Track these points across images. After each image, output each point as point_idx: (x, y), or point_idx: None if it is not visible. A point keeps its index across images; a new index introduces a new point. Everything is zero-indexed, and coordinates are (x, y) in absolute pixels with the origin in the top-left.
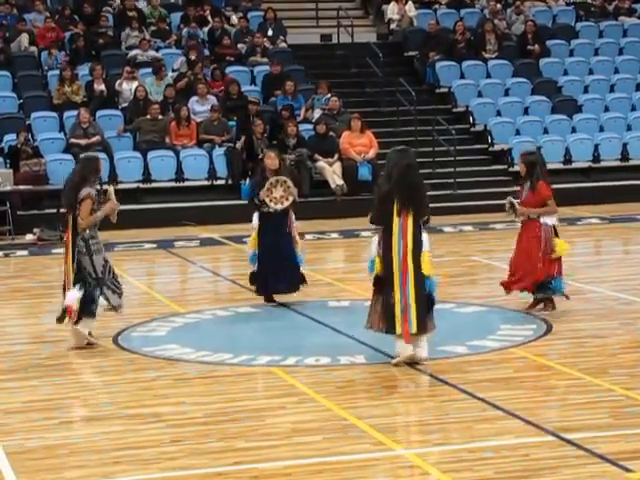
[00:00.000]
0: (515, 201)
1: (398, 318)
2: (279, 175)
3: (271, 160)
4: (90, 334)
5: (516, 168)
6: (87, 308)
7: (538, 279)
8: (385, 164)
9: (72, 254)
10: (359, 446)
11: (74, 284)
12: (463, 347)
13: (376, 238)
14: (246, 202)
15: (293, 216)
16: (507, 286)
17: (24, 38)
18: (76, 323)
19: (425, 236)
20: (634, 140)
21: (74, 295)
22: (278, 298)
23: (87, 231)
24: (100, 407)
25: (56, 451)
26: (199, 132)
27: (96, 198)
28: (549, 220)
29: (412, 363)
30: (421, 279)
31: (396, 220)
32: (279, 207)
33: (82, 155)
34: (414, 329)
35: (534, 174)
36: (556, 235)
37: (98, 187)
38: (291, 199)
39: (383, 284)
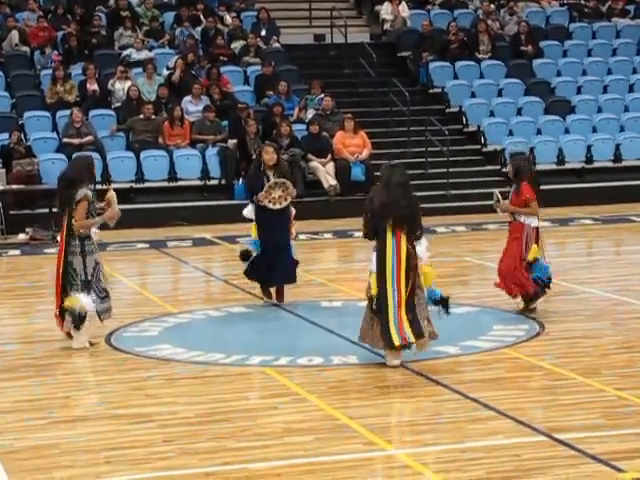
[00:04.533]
0: (500, 195)
1: (394, 333)
2: (277, 169)
3: (269, 155)
4: (90, 342)
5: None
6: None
7: (526, 292)
8: (379, 179)
9: (64, 255)
10: (351, 446)
11: (63, 287)
12: (455, 347)
13: (375, 255)
14: (239, 202)
15: (293, 211)
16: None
17: (14, 35)
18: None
19: (423, 247)
20: (627, 141)
21: (88, 300)
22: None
23: (82, 231)
24: (91, 407)
25: (46, 451)
26: (192, 132)
27: (92, 200)
28: (532, 222)
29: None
30: (413, 296)
31: (390, 237)
32: (277, 207)
33: (76, 154)
34: (412, 338)
35: (518, 176)
36: (537, 240)
37: (93, 189)
38: (289, 199)
39: (378, 302)
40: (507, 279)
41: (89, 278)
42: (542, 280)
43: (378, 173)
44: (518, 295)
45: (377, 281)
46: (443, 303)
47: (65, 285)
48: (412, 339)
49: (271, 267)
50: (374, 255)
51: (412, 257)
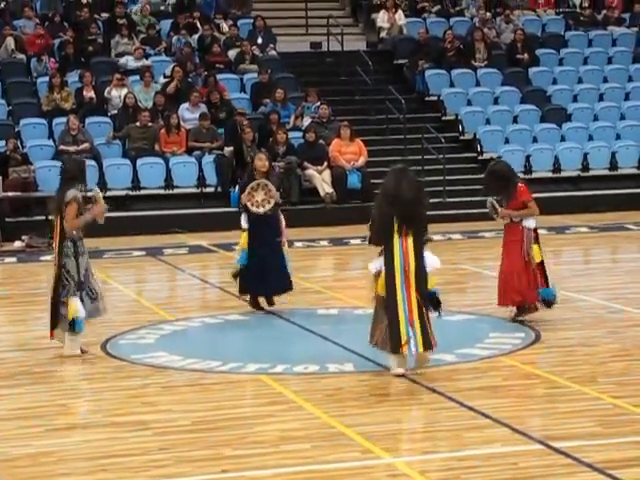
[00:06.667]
0: (495, 202)
1: (403, 338)
2: (268, 177)
3: (262, 162)
4: (81, 350)
5: None
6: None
7: (525, 301)
8: (384, 183)
9: (58, 258)
10: (347, 454)
11: (55, 289)
12: (452, 355)
13: (381, 259)
14: (235, 210)
15: (284, 221)
16: (500, 302)
17: (9, 42)
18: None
19: (430, 257)
20: (623, 149)
21: (80, 306)
22: (265, 305)
23: (74, 232)
24: (87, 415)
25: (43, 459)
26: (188, 139)
27: (82, 202)
28: (531, 223)
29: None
30: (424, 297)
31: (396, 240)
32: (261, 210)
33: (69, 157)
34: (420, 348)
35: (510, 181)
36: (537, 240)
37: (84, 193)
38: (272, 202)
39: (386, 304)
40: (507, 286)
41: (82, 279)
42: (548, 301)
43: (374, 181)
44: (515, 305)
45: (385, 285)
46: (433, 303)
47: (59, 288)
48: (420, 349)
49: (263, 277)
50: (379, 259)
51: (420, 260)
